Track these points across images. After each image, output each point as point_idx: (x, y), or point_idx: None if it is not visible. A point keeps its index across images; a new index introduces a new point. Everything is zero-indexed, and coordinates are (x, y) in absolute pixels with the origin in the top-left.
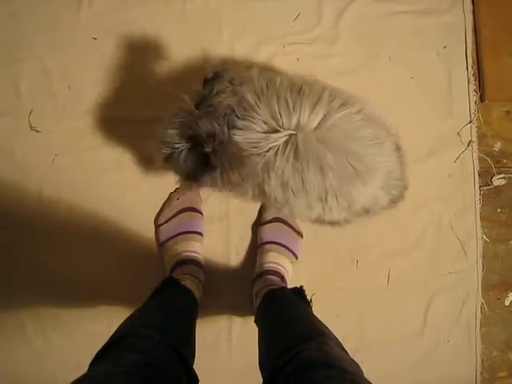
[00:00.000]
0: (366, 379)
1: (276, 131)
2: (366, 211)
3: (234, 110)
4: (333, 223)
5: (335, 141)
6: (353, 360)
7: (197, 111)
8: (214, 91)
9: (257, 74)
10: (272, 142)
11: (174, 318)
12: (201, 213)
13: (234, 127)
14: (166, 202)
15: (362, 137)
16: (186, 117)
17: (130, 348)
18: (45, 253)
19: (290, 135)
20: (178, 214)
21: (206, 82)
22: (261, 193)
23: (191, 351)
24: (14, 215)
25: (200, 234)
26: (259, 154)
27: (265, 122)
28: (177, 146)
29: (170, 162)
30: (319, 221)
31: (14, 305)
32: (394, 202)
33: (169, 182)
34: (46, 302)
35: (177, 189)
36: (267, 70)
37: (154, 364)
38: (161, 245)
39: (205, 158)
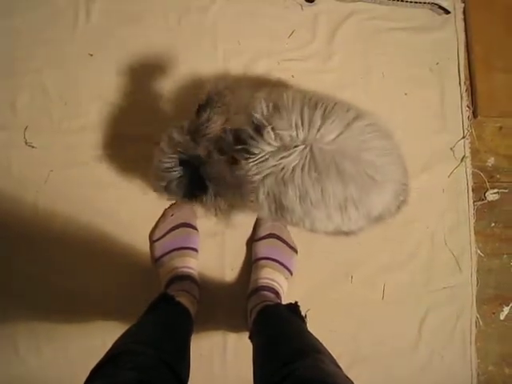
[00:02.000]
0: None
1: (293, 145)
2: (379, 218)
3: (238, 131)
4: (349, 233)
5: (352, 151)
6: (347, 377)
7: (188, 137)
8: (208, 118)
9: (264, 94)
10: (289, 156)
11: (168, 334)
12: (196, 228)
13: (246, 149)
14: (160, 218)
15: (375, 147)
16: (180, 143)
17: (126, 366)
18: (40, 266)
19: (308, 147)
20: (172, 230)
21: (200, 108)
22: (278, 207)
23: (186, 368)
24: (10, 227)
25: (195, 249)
26: (271, 169)
27: (280, 137)
28: (172, 175)
29: (167, 191)
30: (336, 232)
31: (8, 318)
32: (399, 207)
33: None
34: (40, 316)
35: (172, 205)
36: (278, 86)
37: (150, 382)
38: (156, 261)
39: (199, 180)
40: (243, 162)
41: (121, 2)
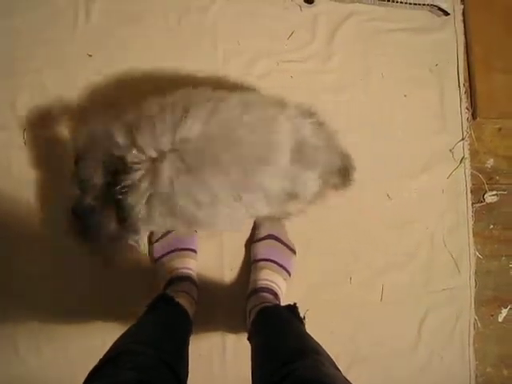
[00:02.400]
0: None
1: (160, 156)
2: (294, 196)
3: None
4: (282, 216)
5: (222, 137)
6: (346, 379)
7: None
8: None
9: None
10: (160, 168)
11: (168, 334)
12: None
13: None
14: None
15: (246, 122)
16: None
17: (125, 365)
18: (40, 266)
19: (175, 152)
20: (171, 231)
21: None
22: (183, 221)
23: (184, 368)
24: (10, 227)
25: (194, 250)
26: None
27: (145, 153)
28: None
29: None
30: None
31: (8, 318)
32: (340, 184)
33: None
34: (40, 316)
35: None
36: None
37: (150, 382)
38: (155, 261)
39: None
40: (123, 198)
41: (120, 2)
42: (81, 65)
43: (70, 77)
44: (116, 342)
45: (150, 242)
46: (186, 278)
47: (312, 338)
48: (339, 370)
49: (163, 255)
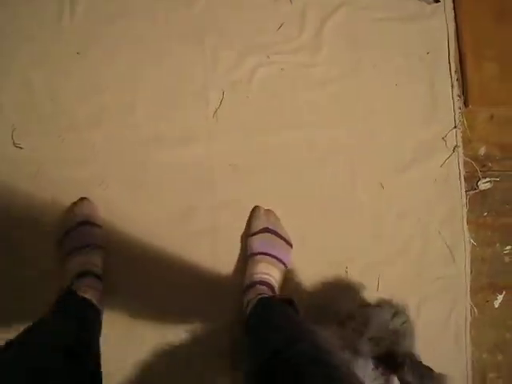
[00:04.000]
0: (355, 375)
1: None
2: None
3: None
4: None
5: None
6: (343, 358)
7: None
8: None
9: None
10: None
11: (68, 324)
12: (98, 225)
13: None
14: (62, 218)
15: None
16: None
17: (16, 355)
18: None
19: None
20: (74, 229)
21: None
22: None
23: (89, 356)
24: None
25: (98, 246)
26: None
27: None
28: None
29: None
30: None
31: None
32: None
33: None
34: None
35: (72, 204)
36: None
37: (47, 368)
38: (60, 261)
39: None
40: None
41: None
42: (68, 63)
43: (57, 75)
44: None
45: (56, 242)
46: (90, 273)
47: (309, 324)
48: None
49: (67, 254)
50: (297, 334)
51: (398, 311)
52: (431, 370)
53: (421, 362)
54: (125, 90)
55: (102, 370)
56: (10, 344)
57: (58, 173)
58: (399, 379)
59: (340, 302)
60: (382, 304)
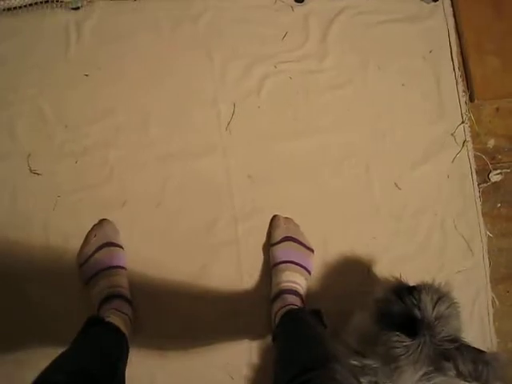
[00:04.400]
0: None
1: None
2: None
3: None
4: None
5: None
6: None
7: None
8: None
9: None
10: None
11: (92, 356)
12: (120, 246)
13: None
14: (84, 242)
15: None
16: None
17: None
18: (56, 298)
19: None
20: (96, 251)
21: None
22: None
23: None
24: (20, 262)
25: (122, 267)
26: None
27: None
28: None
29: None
30: None
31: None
32: None
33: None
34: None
35: (93, 226)
36: None
37: None
38: (85, 284)
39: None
40: None
41: (111, 20)
42: (77, 85)
43: (67, 99)
44: (41, 372)
45: (79, 266)
46: (117, 296)
47: (334, 345)
48: (358, 380)
49: (91, 277)
50: (322, 354)
51: (440, 296)
52: (483, 352)
53: (469, 346)
54: (136, 109)
55: None
56: None
57: (77, 197)
58: (454, 368)
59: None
60: (424, 288)
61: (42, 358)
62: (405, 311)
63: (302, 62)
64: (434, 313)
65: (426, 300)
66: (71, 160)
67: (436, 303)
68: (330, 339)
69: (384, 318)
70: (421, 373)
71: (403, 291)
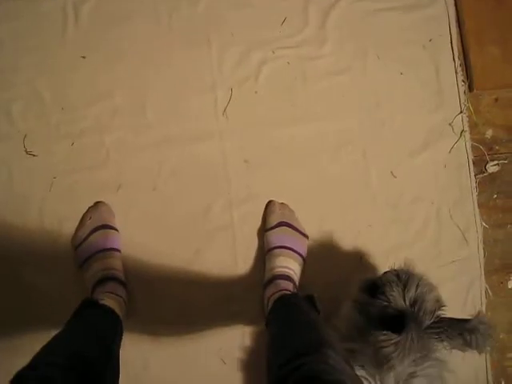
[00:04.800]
0: None
1: None
2: None
3: None
4: None
5: None
6: (356, 375)
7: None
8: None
9: None
10: None
11: (86, 339)
12: (115, 229)
13: None
14: (79, 224)
15: None
16: None
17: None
18: (51, 279)
19: None
20: (91, 234)
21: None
22: None
23: (108, 369)
24: (15, 244)
25: (117, 250)
26: None
27: None
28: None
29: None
30: None
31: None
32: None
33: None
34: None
35: (89, 208)
36: None
37: None
38: (79, 267)
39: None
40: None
41: (109, 2)
42: (74, 68)
43: (64, 81)
44: (35, 355)
45: (73, 249)
46: (111, 279)
47: (327, 330)
48: (350, 365)
49: (86, 259)
50: (316, 339)
51: (405, 282)
52: (466, 320)
53: (452, 320)
54: (134, 93)
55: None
56: (22, 374)
57: (73, 179)
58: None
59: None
60: (387, 282)
61: (36, 342)
62: (382, 309)
63: (300, 48)
64: (407, 301)
65: (394, 294)
66: (67, 142)
67: (404, 291)
68: (323, 324)
69: (367, 318)
70: (408, 361)
71: (372, 290)
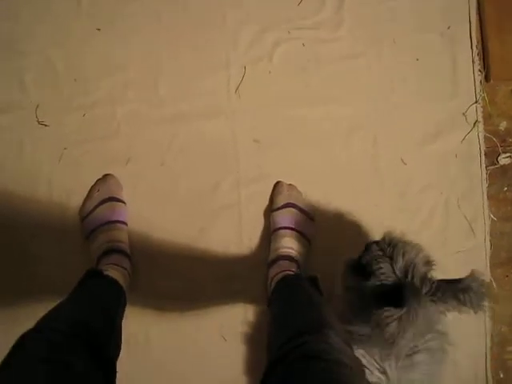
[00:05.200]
0: (363, 373)
1: None
2: None
3: None
4: None
5: None
6: (354, 355)
7: None
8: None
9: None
10: None
11: (91, 308)
12: (122, 201)
13: None
14: (87, 195)
15: None
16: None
17: (35, 350)
18: (57, 249)
19: None
20: (99, 206)
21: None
22: None
23: (112, 340)
24: (23, 215)
25: (123, 222)
26: None
27: None
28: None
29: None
30: None
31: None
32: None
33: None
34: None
35: (97, 181)
36: None
37: (61, 359)
38: (86, 238)
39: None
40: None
41: None
42: (89, 40)
43: (78, 53)
44: (39, 320)
45: (80, 220)
46: (116, 251)
47: (328, 311)
48: (350, 346)
49: (92, 231)
50: (317, 319)
51: (389, 253)
52: (459, 280)
53: (444, 281)
54: (147, 67)
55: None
56: (27, 334)
57: (83, 150)
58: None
59: None
60: (372, 260)
61: (40, 312)
62: (377, 288)
63: (316, 30)
64: (399, 273)
65: (383, 270)
66: (79, 113)
67: (392, 263)
68: (325, 305)
69: (362, 299)
70: (411, 334)
71: (359, 269)
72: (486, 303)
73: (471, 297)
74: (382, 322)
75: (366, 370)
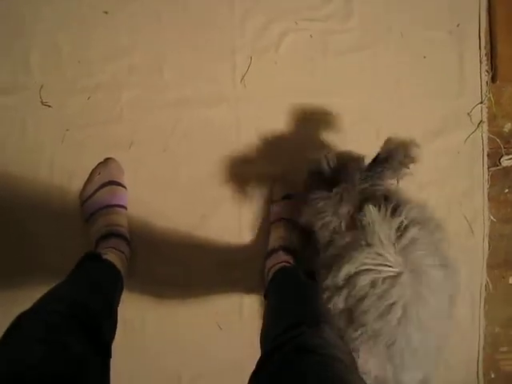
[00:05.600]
0: (357, 369)
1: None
2: None
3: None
4: None
5: None
6: (349, 351)
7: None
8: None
9: None
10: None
11: (89, 290)
12: (123, 186)
13: None
14: (88, 178)
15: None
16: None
17: (34, 324)
18: (55, 229)
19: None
20: (99, 189)
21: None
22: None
23: (108, 323)
24: (23, 197)
25: (123, 206)
26: None
27: None
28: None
29: None
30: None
31: (16, 280)
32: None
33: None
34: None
35: (98, 164)
36: None
37: (59, 340)
38: (85, 221)
39: None
40: None
41: None
42: (96, 22)
43: (83, 35)
44: (36, 301)
45: (81, 204)
46: (115, 235)
47: (323, 304)
48: (344, 341)
49: (91, 214)
50: (312, 312)
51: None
52: (377, 156)
53: (370, 164)
54: (153, 52)
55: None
56: (23, 315)
57: (86, 133)
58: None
59: None
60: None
61: (39, 294)
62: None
63: (324, 21)
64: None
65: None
66: (83, 95)
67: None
68: (321, 299)
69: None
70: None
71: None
72: (411, 155)
73: (394, 161)
74: (314, 204)
75: (377, 272)
